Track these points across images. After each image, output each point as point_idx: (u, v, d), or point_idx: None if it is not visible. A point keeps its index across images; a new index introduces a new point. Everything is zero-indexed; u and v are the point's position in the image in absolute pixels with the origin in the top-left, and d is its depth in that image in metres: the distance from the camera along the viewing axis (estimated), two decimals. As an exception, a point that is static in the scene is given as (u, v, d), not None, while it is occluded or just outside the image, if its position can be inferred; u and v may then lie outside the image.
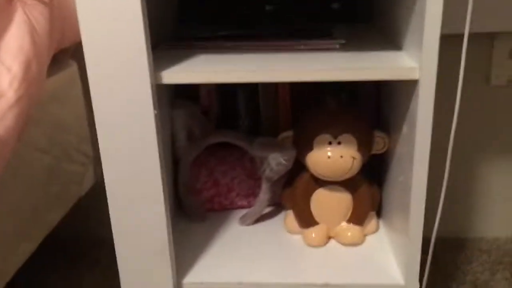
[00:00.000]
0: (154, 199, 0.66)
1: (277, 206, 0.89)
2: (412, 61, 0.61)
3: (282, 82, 0.87)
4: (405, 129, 0.67)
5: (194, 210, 0.86)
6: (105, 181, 0.66)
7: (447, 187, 1.13)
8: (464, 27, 0.89)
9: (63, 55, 0.96)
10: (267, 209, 0.88)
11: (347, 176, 0.74)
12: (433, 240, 0.69)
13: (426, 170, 0.64)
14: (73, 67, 0.98)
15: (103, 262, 1.13)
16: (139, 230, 0.68)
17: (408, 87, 0.63)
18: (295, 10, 0.92)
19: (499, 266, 1.05)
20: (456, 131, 1.10)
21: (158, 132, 0.62)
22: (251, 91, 0.90)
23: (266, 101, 0.91)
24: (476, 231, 1.16)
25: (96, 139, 0.62)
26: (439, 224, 1.15)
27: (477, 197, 1.14)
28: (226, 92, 0.91)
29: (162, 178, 0.65)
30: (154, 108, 0.61)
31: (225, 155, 0.87)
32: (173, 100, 0.81)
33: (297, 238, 0.80)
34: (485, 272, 1.04)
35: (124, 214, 0.67)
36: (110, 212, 0.68)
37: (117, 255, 0.70)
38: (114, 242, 0.69)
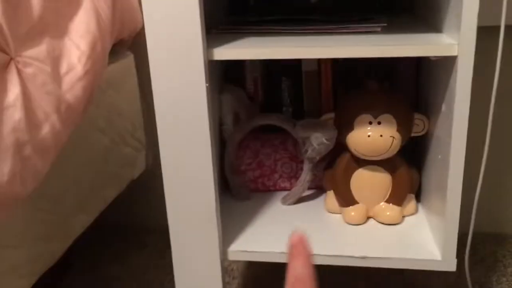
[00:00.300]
0: (203, 168, 0.71)
1: (318, 190, 0.92)
2: (452, 40, 0.64)
3: (325, 72, 0.92)
4: (444, 107, 0.69)
5: (239, 190, 0.91)
6: (160, 152, 0.71)
7: (492, 184, 1.13)
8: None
9: (121, 47, 1.04)
10: (309, 192, 0.91)
11: (387, 155, 0.77)
12: (475, 207, 0.71)
13: (464, 146, 0.66)
14: (130, 58, 1.06)
15: (150, 245, 1.19)
16: (189, 202, 0.73)
17: (447, 64, 0.65)
18: (339, 2, 0.96)
19: (542, 260, 1.05)
20: (498, 124, 1.11)
21: (208, 103, 0.67)
22: (295, 80, 0.94)
23: (309, 90, 0.95)
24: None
25: (149, 128, 0.68)
26: (483, 219, 1.15)
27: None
28: (271, 81, 0.96)
29: (212, 149, 0.70)
30: (206, 82, 0.66)
31: (270, 138, 0.92)
32: (221, 85, 0.87)
33: (337, 217, 0.83)
34: (527, 266, 1.03)
35: (177, 186, 0.72)
36: (164, 183, 0.73)
37: (169, 226, 0.75)
38: (167, 213, 0.75)
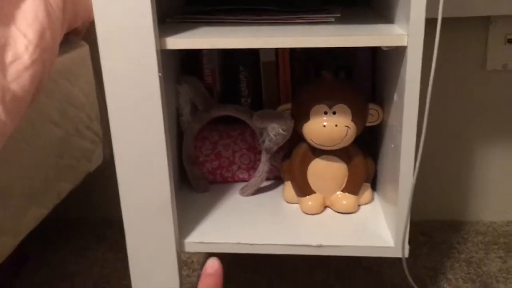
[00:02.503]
0: (157, 159, 0.70)
1: (276, 181, 0.92)
2: (402, 30, 0.65)
3: (283, 62, 0.92)
4: (395, 97, 0.71)
5: (198, 181, 0.90)
6: (113, 143, 0.70)
7: (446, 171, 1.16)
8: (462, 11, 0.93)
9: (75, 36, 1.01)
10: (267, 183, 0.92)
11: (342, 145, 0.78)
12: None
13: (414, 134, 0.67)
14: (85, 48, 1.03)
15: (109, 238, 1.17)
16: (144, 192, 0.72)
17: (398, 54, 0.66)
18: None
19: (493, 246, 1.08)
20: (452, 115, 1.14)
21: (162, 93, 0.66)
22: (253, 71, 0.94)
23: (267, 80, 0.94)
24: (473, 214, 1.19)
25: (106, 119, 0.66)
26: (437, 207, 1.18)
27: (474, 181, 1.17)
28: (229, 72, 0.96)
29: (166, 139, 0.69)
30: (159, 71, 0.65)
31: (228, 130, 0.91)
32: (178, 76, 0.86)
33: (295, 207, 0.84)
34: (479, 252, 1.06)
35: (131, 176, 0.71)
36: (117, 174, 0.72)
37: (123, 217, 0.74)
38: (121, 205, 0.73)
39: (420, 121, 0.66)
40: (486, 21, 1.04)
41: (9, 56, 0.62)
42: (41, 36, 0.67)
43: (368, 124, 0.80)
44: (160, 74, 0.65)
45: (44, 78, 0.67)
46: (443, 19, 0.65)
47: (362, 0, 0.97)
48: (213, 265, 0.36)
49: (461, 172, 1.16)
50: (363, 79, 0.89)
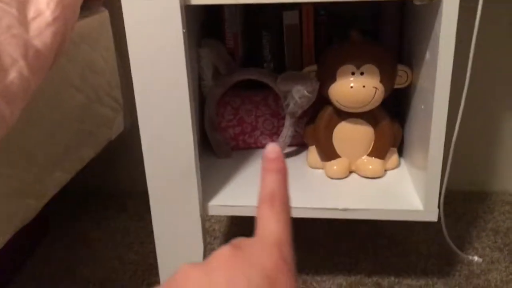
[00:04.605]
0: (182, 123, 0.69)
1: (300, 147, 0.91)
2: (436, -17, 0.62)
3: (307, 25, 0.89)
4: (428, 55, 0.68)
5: (220, 147, 0.89)
6: (137, 107, 0.69)
7: (471, 140, 1.13)
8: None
9: (95, 2, 1.00)
10: (290, 149, 0.90)
11: (369, 107, 0.76)
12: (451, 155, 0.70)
13: (447, 94, 0.65)
14: (105, 14, 1.02)
15: (130, 208, 1.17)
16: (168, 157, 0.71)
17: (432, 8, 0.64)
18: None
19: (521, 216, 1.06)
20: (485, 86, 1.09)
21: (186, 52, 0.65)
22: (275, 35, 0.92)
23: (290, 44, 0.92)
24: (500, 184, 1.16)
25: (127, 89, 0.65)
26: (464, 176, 1.15)
27: (503, 152, 1.14)
28: (251, 36, 0.93)
29: (190, 103, 0.68)
30: (183, 28, 0.63)
31: (250, 95, 0.90)
32: (200, 40, 0.84)
33: (319, 172, 0.82)
34: (506, 221, 1.04)
35: (155, 141, 0.70)
36: (141, 140, 0.71)
37: (148, 183, 0.73)
38: (145, 170, 0.72)
39: (457, 82, 0.64)
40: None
41: (31, 12, 0.61)
42: (62, -7, 0.66)
43: (396, 86, 0.78)
44: (184, 30, 0.63)
45: (66, 38, 0.66)
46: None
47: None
48: (274, 149, 0.32)
49: (487, 141, 1.13)
50: (390, 41, 0.86)
